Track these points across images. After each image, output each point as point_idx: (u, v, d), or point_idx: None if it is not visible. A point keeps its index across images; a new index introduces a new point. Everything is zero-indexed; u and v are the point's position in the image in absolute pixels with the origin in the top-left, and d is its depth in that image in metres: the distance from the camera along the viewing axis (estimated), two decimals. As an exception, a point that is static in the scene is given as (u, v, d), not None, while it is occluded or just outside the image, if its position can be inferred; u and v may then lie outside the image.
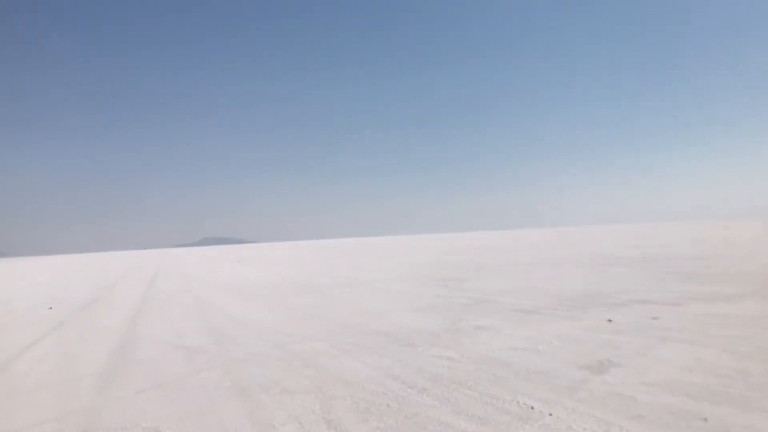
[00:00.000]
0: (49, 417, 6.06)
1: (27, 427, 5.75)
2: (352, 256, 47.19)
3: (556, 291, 14.70)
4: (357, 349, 8.74)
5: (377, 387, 6.56)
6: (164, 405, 6.31)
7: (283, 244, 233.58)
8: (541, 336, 8.96)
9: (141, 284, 25.84)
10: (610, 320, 9.96)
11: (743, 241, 37.40)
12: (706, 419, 4.85)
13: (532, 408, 5.43)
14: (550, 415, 5.20)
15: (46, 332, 12.04)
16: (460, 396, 6.02)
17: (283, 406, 6.03)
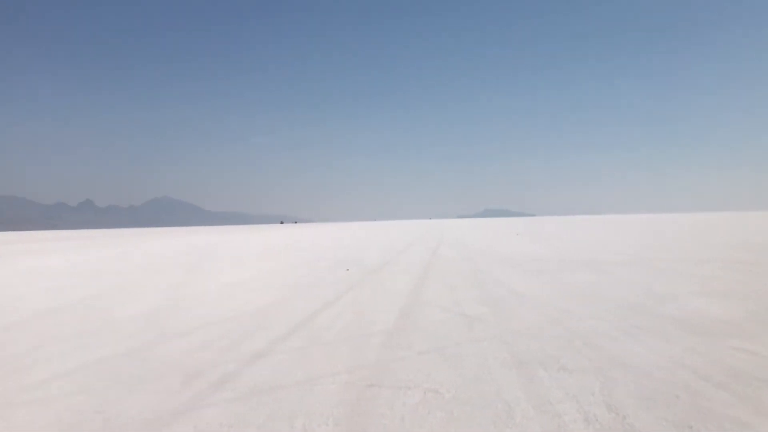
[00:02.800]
0: (342, 368, 6.66)
1: (324, 375, 6.39)
2: (635, 233, 44.26)
3: None
4: (642, 332, 8.14)
5: (664, 375, 6.03)
6: (443, 369, 6.53)
7: (560, 218, 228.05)
8: None
9: (426, 252, 27.20)
10: None
11: None
12: None
13: None
14: None
15: (344, 291, 13.28)
16: (765, 396, 5.26)
17: (560, 383, 5.86)
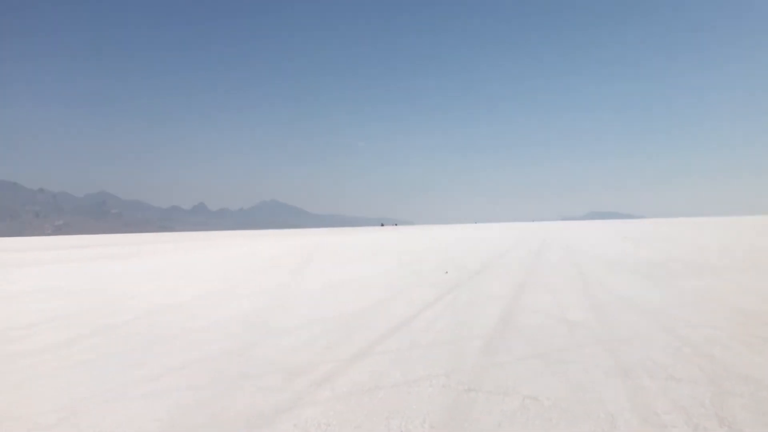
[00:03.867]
0: (440, 371, 6.64)
1: (422, 378, 6.39)
2: (749, 235, 41.43)
3: None
4: (761, 342, 7.62)
5: (786, 389, 5.62)
6: (544, 375, 6.38)
7: (670, 220, 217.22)
8: None
9: (527, 255, 26.68)
10: None
11: None
12: None
13: None
14: None
15: (443, 294, 13.24)
16: None
17: (668, 393, 5.58)
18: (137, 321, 10.67)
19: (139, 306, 12.69)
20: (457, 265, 21.88)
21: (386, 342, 8.27)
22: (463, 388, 5.98)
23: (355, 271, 20.60)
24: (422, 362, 7.08)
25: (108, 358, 7.71)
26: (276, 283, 16.66)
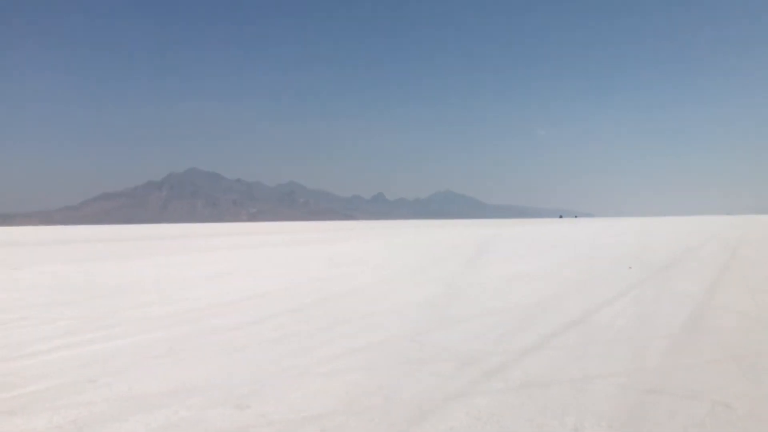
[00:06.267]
0: (620, 370, 6.32)
1: (600, 375, 6.12)
2: None
3: None
4: None
5: None
6: (737, 381, 5.87)
7: None
8: None
9: (721, 251, 24.54)
10: None
11: None
12: None
13: None
14: None
15: (625, 290, 12.59)
16: None
17: None
18: (320, 303, 11.29)
19: (322, 288, 13.45)
20: (641, 259, 20.67)
21: (562, 336, 8.03)
22: (645, 388, 5.64)
23: (530, 263, 20.22)
24: (600, 359, 6.79)
25: (292, 337, 8.25)
26: (450, 273, 16.82)
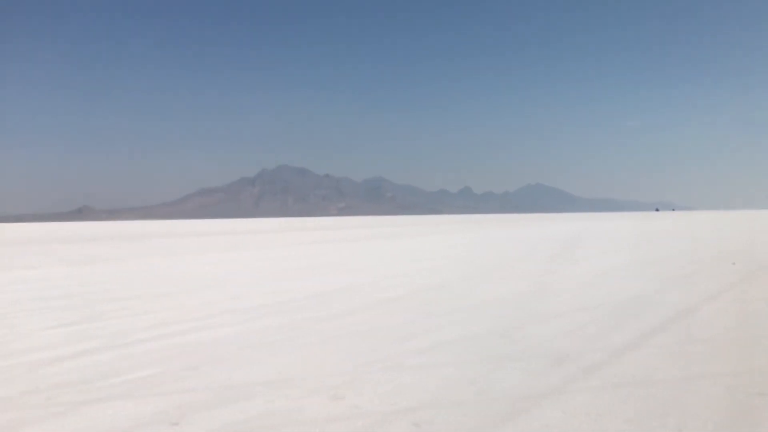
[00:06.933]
0: (725, 370, 6.02)
1: (702, 375, 5.84)
2: None
3: None
4: None
5: None
6: None
7: None
8: None
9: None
10: None
11: None
12: None
13: None
14: None
15: (729, 287, 11.99)
16: None
17: None
18: (407, 297, 11.34)
19: (408, 282, 13.51)
20: (748, 256, 19.57)
21: (661, 334, 7.72)
22: (754, 391, 5.34)
23: (623, 258, 19.56)
24: (703, 359, 6.48)
25: (381, 330, 8.32)
26: (538, 268, 16.52)
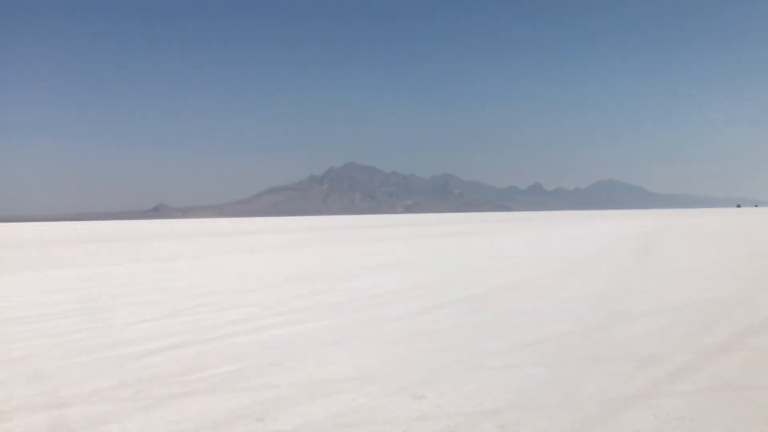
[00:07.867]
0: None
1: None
2: None
3: None
4: None
5: None
6: None
7: None
8: None
9: None
10: None
11: None
12: None
13: None
14: None
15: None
16: None
17: None
18: (483, 296, 11.19)
19: (483, 281, 13.35)
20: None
21: (755, 337, 7.34)
22: None
23: (707, 257, 18.78)
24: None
25: (459, 329, 8.24)
26: (618, 266, 16.05)
